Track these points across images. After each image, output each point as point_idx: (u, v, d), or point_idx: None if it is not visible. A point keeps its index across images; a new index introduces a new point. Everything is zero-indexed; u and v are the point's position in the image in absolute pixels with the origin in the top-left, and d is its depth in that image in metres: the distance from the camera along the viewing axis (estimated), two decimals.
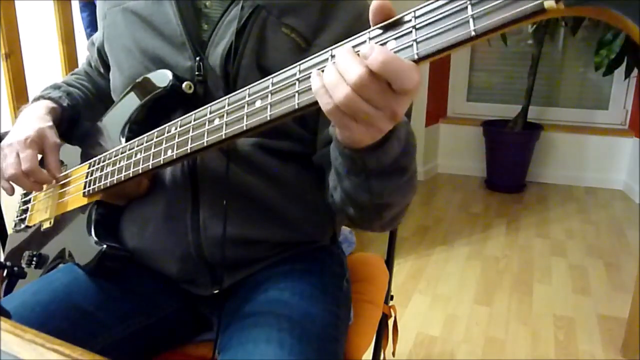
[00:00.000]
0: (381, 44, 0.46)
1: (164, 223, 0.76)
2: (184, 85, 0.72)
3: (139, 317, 0.77)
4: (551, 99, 3.35)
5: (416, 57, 0.44)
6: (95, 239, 0.75)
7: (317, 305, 0.72)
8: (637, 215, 2.73)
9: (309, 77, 0.50)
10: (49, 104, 0.87)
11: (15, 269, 0.86)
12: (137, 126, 0.77)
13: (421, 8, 0.44)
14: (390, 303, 1.03)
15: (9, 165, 0.79)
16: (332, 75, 0.46)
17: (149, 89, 0.75)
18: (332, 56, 0.49)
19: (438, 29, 0.42)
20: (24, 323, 0.46)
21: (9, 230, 1.00)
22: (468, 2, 0.41)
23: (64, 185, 0.86)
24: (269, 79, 0.54)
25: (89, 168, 0.80)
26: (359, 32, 0.74)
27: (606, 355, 1.61)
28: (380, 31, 0.47)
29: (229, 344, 0.67)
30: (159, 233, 0.76)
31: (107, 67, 0.89)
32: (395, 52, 0.44)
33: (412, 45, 0.44)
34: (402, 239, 2.45)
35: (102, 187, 0.76)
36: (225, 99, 0.59)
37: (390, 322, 1.02)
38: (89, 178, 0.79)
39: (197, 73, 0.73)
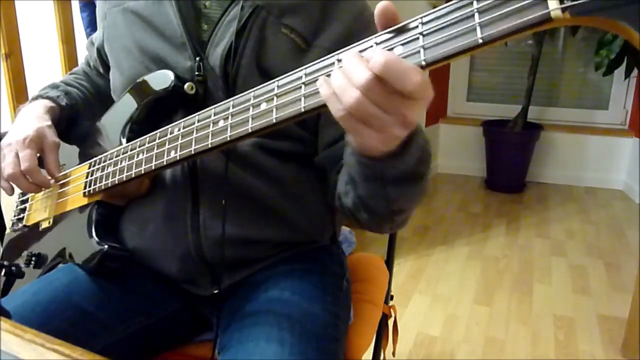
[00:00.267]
0: (388, 50, 0.46)
1: (164, 223, 0.76)
2: (186, 86, 0.72)
3: (139, 317, 0.77)
4: (551, 99, 3.35)
5: (423, 63, 0.44)
6: (97, 239, 0.75)
7: (317, 304, 0.72)
8: (637, 215, 2.73)
9: (315, 80, 0.50)
10: (48, 103, 0.87)
11: (13, 268, 0.86)
12: (137, 126, 0.77)
13: (428, 15, 0.44)
14: (390, 303, 1.04)
15: (8, 165, 0.79)
16: (339, 79, 0.46)
17: (150, 89, 0.75)
18: (339, 60, 0.49)
19: (445, 36, 0.43)
20: (24, 323, 0.46)
21: (8, 230, 1.00)
22: (475, 10, 0.41)
23: (63, 185, 0.86)
24: (274, 81, 0.55)
25: (89, 168, 0.80)
26: (358, 32, 0.75)
27: (606, 355, 1.61)
28: (388, 36, 0.47)
29: (229, 343, 0.67)
30: (159, 233, 0.76)
31: (106, 67, 0.89)
32: (402, 57, 0.45)
33: (420, 51, 0.44)
34: (402, 239, 2.45)
35: (103, 187, 0.76)
36: (230, 101, 0.59)
37: (390, 322, 1.02)
38: (89, 178, 0.79)
39: (197, 73, 0.73)
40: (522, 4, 0.39)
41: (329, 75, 0.48)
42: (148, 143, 0.70)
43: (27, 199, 0.96)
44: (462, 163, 3.48)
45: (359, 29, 0.75)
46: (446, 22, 0.43)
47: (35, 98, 0.88)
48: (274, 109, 0.53)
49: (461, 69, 3.48)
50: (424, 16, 0.45)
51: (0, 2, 1.50)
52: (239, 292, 0.77)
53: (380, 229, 0.69)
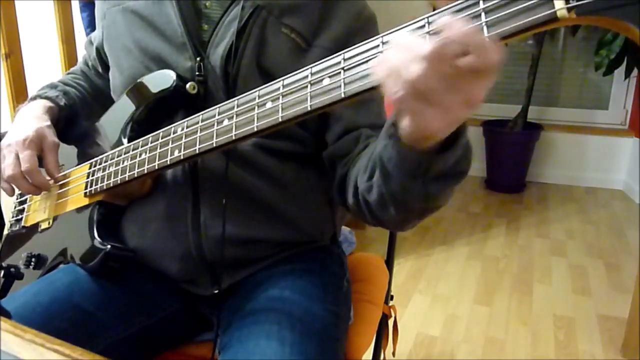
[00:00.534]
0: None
1: (165, 223, 0.76)
2: (187, 85, 0.72)
3: (140, 317, 0.77)
4: (551, 99, 3.35)
5: None
6: (99, 239, 0.75)
7: (317, 304, 0.72)
8: (637, 215, 2.73)
9: (321, 80, 0.50)
10: (46, 103, 0.87)
11: (12, 270, 0.86)
12: (138, 126, 0.77)
13: (433, 15, 0.44)
14: (390, 303, 1.04)
15: (8, 166, 0.79)
16: (399, 55, 0.42)
17: (151, 89, 0.75)
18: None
19: None
20: (25, 323, 0.46)
21: (6, 231, 1.00)
22: (482, 10, 0.42)
23: (62, 186, 0.86)
24: (279, 81, 0.55)
25: (90, 168, 0.80)
26: (358, 31, 0.75)
27: (606, 355, 1.61)
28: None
29: (230, 343, 0.67)
30: (160, 233, 0.76)
31: (105, 67, 0.89)
32: None
33: None
34: (402, 239, 2.45)
35: (105, 187, 0.76)
36: (234, 100, 0.59)
37: (390, 322, 1.02)
38: (90, 178, 0.79)
39: (197, 73, 0.73)
40: (528, 3, 0.40)
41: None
42: (151, 142, 0.70)
43: (26, 199, 0.96)
44: None
45: (358, 28, 0.75)
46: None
47: (34, 98, 0.88)
48: (280, 108, 0.53)
49: None
50: (430, 16, 0.45)
51: (0, 2, 1.50)
52: (239, 291, 0.77)
53: (402, 225, 0.66)
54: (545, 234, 2.54)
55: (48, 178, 0.83)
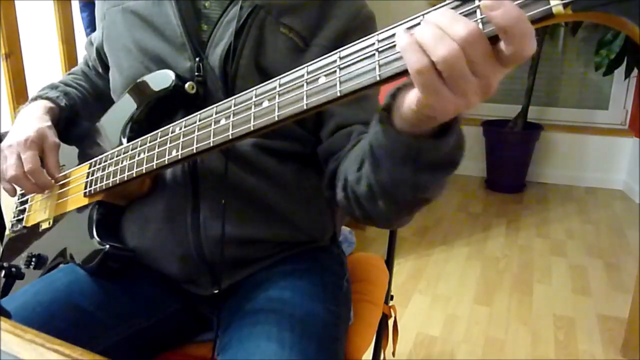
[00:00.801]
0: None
1: (165, 223, 0.76)
2: (186, 85, 0.72)
3: (140, 318, 0.77)
4: (551, 99, 3.35)
5: None
6: (98, 239, 0.75)
7: (317, 304, 0.72)
8: (637, 215, 2.73)
9: (317, 78, 0.50)
10: (47, 103, 0.87)
11: (13, 269, 0.86)
12: (138, 126, 0.77)
13: (430, 12, 0.44)
14: (390, 303, 1.04)
15: (11, 167, 0.79)
16: (431, 30, 0.41)
17: (151, 89, 0.75)
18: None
19: None
20: (25, 324, 0.46)
21: (7, 231, 1.00)
22: (477, 7, 0.41)
23: (63, 186, 0.86)
24: (276, 80, 0.55)
25: (89, 168, 0.80)
26: (355, 30, 0.75)
27: (606, 355, 1.61)
28: (393, 32, 0.45)
29: (229, 343, 0.67)
30: (160, 233, 0.76)
31: (105, 67, 0.89)
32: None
33: None
34: (402, 239, 2.45)
35: (104, 187, 0.76)
36: (232, 100, 0.59)
37: (390, 322, 1.02)
38: (90, 178, 0.79)
39: (196, 73, 0.73)
40: (523, 0, 0.39)
41: (333, 71, 0.46)
42: (149, 142, 0.70)
43: (27, 200, 0.96)
44: (462, 163, 3.42)
45: (357, 26, 0.75)
46: None
47: (35, 99, 0.88)
48: (276, 107, 0.53)
49: None
50: (425, 13, 0.44)
51: (0, 2, 1.51)
52: (239, 292, 0.77)
53: (391, 221, 0.65)
54: (545, 234, 2.54)
55: (49, 178, 0.83)
